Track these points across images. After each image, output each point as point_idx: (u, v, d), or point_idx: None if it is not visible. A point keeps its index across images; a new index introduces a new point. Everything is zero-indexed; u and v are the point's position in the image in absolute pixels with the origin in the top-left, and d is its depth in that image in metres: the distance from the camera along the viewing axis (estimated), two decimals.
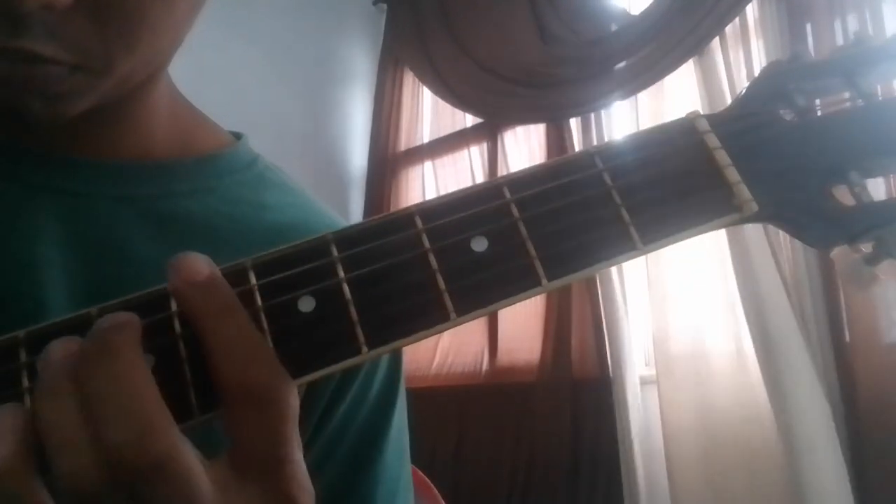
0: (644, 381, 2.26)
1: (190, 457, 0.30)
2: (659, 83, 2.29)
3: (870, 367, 1.82)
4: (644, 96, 2.35)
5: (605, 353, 2.28)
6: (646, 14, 2.34)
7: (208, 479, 0.30)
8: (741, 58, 2.14)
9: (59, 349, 0.30)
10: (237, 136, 0.60)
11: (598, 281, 2.33)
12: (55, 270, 0.46)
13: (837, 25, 1.96)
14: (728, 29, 2.15)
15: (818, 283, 1.93)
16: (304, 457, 0.52)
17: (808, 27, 2.03)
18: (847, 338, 1.89)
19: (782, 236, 1.97)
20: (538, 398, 2.36)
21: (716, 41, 2.16)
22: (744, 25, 2.16)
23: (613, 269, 2.28)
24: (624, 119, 2.44)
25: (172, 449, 0.29)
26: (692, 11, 2.16)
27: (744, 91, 0.37)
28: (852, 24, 1.93)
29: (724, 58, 2.15)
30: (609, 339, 2.28)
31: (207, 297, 0.32)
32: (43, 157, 0.50)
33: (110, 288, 0.43)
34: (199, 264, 0.33)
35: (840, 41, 1.92)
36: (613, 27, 2.44)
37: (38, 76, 0.41)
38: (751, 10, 2.16)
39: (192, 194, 0.53)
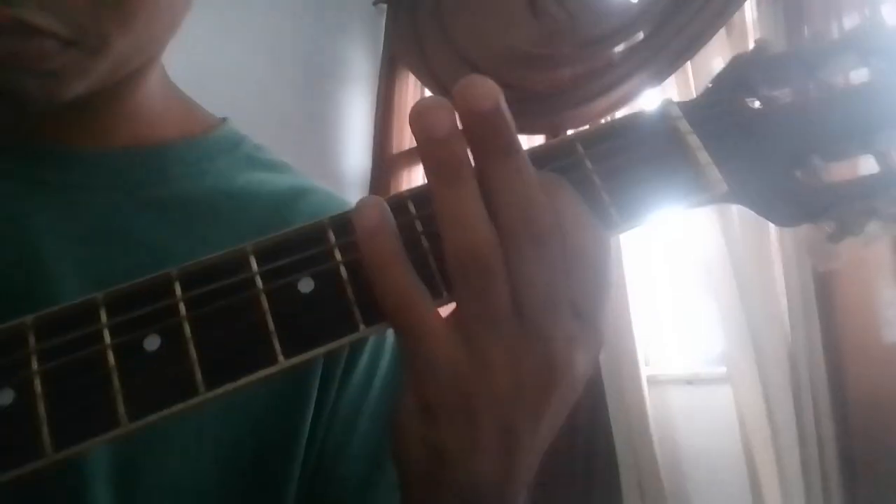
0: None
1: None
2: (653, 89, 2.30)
3: (864, 367, 1.82)
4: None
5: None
6: (642, 11, 2.34)
7: None
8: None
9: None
10: (222, 120, 0.60)
11: None
12: (63, 264, 0.47)
13: (834, 27, 1.97)
14: (723, 30, 2.16)
15: (810, 283, 1.93)
16: (320, 449, 0.52)
17: (805, 28, 2.04)
18: (840, 338, 1.88)
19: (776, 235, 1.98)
20: None
21: (712, 42, 2.17)
22: (741, 25, 2.17)
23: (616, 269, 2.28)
24: None
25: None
26: (687, 6, 2.17)
27: (712, 81, 0.40)
28: (849, 24, 1.94)
29: (722, 59, 2.16)
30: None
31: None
32: (37, 152, 0.50)
33: (120, 276, 0.45)
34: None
35: None
36: (614, 23, 2.43)
37: (31, 50, 0.41)
38: (748, 11, 2.16)
39: (187, 177, 0.53)
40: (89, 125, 0.52)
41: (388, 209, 0.34)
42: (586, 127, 2.23)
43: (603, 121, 2.42)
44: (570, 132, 2.47)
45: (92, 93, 0.47)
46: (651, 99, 2.32)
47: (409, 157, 2.99)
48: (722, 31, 2.15)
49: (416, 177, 2.97)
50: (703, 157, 0.37)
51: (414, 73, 2.98)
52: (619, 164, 0.37)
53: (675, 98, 0.38)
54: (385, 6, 3.13)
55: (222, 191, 0.54)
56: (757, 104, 0.38)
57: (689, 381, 2.18)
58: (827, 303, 1.91)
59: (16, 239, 0.47)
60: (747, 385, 1.98)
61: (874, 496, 1.76)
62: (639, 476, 2.15)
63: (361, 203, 0.34)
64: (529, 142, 2.63)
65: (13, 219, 0.48)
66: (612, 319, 2.24)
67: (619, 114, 2.39)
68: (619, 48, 2.36)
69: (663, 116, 0.39)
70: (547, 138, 2.55)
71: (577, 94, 2.42)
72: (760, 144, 0.38)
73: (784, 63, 0.39)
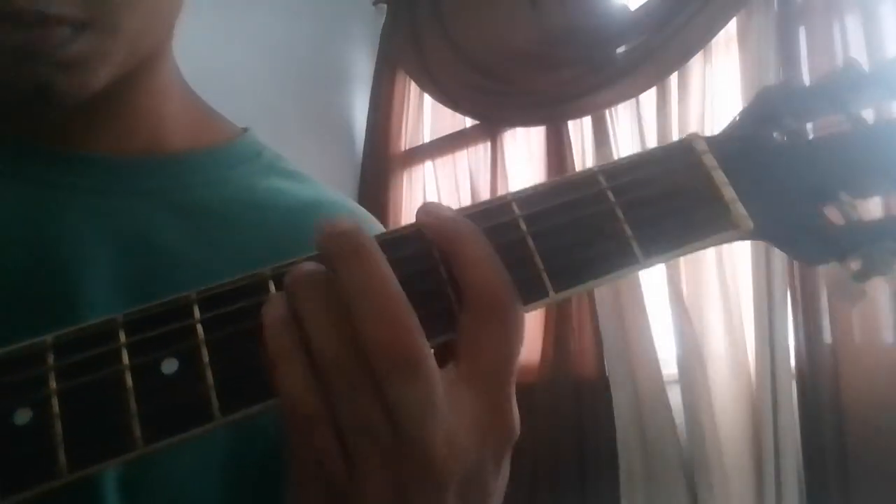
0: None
1: (431, 358, 0.32)
2: (646, 93, 2.30)
3: (862, 369, 1.82)
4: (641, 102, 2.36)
5: (603, 352, 2.30)
6: (641, 14, 2.34)
7: (442, 382, 0.33)
8: (735, 63, 2.14)
9: (307, 264, 0.34)
10: (244, 130, 0.61)
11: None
12: (84, 268, 0.47)
13: (836, 27, 1.96)
14: (721, 34, 2.15)
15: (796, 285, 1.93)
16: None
17: (802, 29, 2.03)
18: (828, 339, 1.88)
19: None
20: (539, 398, 2.37)
21: (708, 46, 2.16)
22: (741, 27, 2.16)
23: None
24: (624, 121, 2.43)
25: (424, 348, 0.32)
26: (684, 8, 2.16)
27: (738, 114, 0.39)
28: (848, 26, 1.93)
29: (720, 61, 2.16)
30: (610, 340, 2.29)
31: (458, 223, 0.35)
32: (60, 157, 0.50)
33: (146, 280, 0.45)
34: (444, 207, 0.37)
35: (836, 44, 1.92)
36: (614, 23, 2.43)
37: (47, 39, 0.42)
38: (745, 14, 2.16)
39: (208, 185, 0.54)
40: (107, 130, 0.52)
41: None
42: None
43: (605, 118, 2.43)
44: (578, 149, 2.49)
45: (105, 95, 0.47)
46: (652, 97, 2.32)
47: (406, 158, 2.99)
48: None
49: (414, 177, 2.97)
50: (729, 192, 0.37)
51: (409, 75, 2.97)
52: (642, 198, 0.37)
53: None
54: (385, 6, 3.13)
55: (241, 201, 0.54)
56: (784, 138, 0.38)
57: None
58: (811, 304, 1.91)
59: (37, 242, 0.47)
60: (745, 387, 1.99)
61: (872, 497, 1.76)
62: (638, 472, 2.16)
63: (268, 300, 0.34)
64: (529, 133, 2.63)
65: (34, 222, 0.48)
66: (622, 321, 2.25)
67: (620, 109, 2.40)
68: (621, 49, 2.35)
69: (688, 150, 0.38)
70: (547, 130, 2.55)
71: (578, 87, 2.42)
72: (787, 180, 0.37)
73: (812, 96, 0.39)
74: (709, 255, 2.09)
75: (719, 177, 0.37)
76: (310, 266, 0.34)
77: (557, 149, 2.50)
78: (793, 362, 1.92)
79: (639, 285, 2.25)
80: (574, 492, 2.26)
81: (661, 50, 2.21)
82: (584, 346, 2.36)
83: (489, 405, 0.34)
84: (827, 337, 1.88)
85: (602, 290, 2.32)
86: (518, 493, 2.32)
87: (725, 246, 1.95)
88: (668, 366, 2.19)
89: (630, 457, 2.18)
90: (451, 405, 0.33)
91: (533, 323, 2.47)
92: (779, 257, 1.94)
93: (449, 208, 0.37)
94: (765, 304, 1.95)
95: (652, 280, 2.29)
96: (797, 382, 1.91)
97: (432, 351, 0.33)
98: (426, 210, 0.36)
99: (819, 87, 0.39)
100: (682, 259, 2.09)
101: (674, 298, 2.13)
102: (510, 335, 0.34)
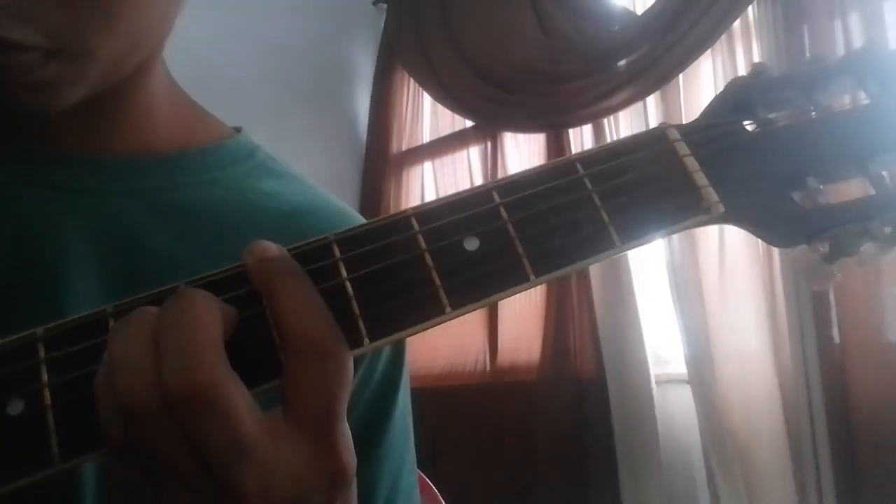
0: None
1: (236, 396, 0.31)
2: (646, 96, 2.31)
3: (865, 367, 1.82)
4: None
5: (601, 352, 2.31)
6: (646, 17, 2.34)
7: (258, 423, 0.32)
8: (740, 61, 2.15)
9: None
10: (237, 130, 0.60)
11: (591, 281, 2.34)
12: (74, 269, 0.47)
13: (837, 25, 1.96)
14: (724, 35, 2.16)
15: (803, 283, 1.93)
16: None
17: (805, 27, 2.04)
18: (837, 338, 1.88)
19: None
20: (539, 397, 2.38)
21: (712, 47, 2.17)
22: (744, 26, 2.17)
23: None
24: (623, 121, 2.44)
25: (217, 383, 0.31)
26: (690, 13, 2.17)
27: (710, 103, 0.40)
28: (851, 23, 1.93)
29: (718, 62, 2.17)
30: (609, 339, 2.30)
31: (277, 265, 0.35)
32: (48, 157, 0.50)
33: (130, 281, 0.45)
34: (270, 245, 0.35)
35: (839, 41, 1.93)
36: (616, 27, 2.44)
37: (13, 65, 0.41)
38: (749, 11, 2.16)
39: (197, 186, 0.53)
40: (96, 131, 0.52)
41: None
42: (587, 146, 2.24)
43: (604, 123, 2.44)
44: (569, 143, 2.50)
45: (94, 96, 0.47)
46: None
47: (405, 158, 2.99)
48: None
49: (413, 177, 2.98)
50: (701, 178, 0.38)
51: (411, 74, 2.98)
52: (618, 185, 0.38)
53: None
54: (385, 6, 3.14)
55: (231, 202, 0.54)
56: (754, 126, 0.39)
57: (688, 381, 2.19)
58: (826, 300, 1.91)
59: (23, 242, 0.47)
60: (754, 385, 1.99)
61: (879, 496, 1.76)
62: (636, 472, 2.16)
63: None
64: (530, 141, 2.64)
65: (25, 222, 0.48)
66: (619, 319, 2.26)
67: (620, 115, 2.40)
68: (623, 63, 2.36)
69: (662, 138, 0.39)
70: (547, 137, 2.56)
71: (579, 99, 2.43)
72: (758, 166, 0.38)
73: (781, 85, 0.40)
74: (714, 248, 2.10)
75: (691, 163, 0.38)
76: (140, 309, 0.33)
77: (557, 149, 2.51)
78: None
79: (631, 283, 2.26)
80: (575, 488, 2.27)
81: (664, 57, 2.21)
82: (583, 345, 2.37)
83: (317, 447, 0.33)
84: (836, 336, 1.88)
85: (600, 289, 2.33)
86: (519, 491, 2.34)
87: (729, 241, 2.00)
88: (677, 364, 2.20)
89: (628, 454, 2.19)
90: (270, 446, 0.32)
91: (533, 322, 2.49)
92: (783, 253, 1.95)
93: (277, 248, 0.35)
94: (773, 302, 1.97)
95: (649, 277, 2.30)
96: (808, 381, 1.91)
97: (244, 391, 0.32)
98: (250, 250, 0.35)
99: (788, 77, 0.40)
100: (680, 256, 2.12)
101: (680, 296, 2.14)
102: (331, 378, 0.33)
